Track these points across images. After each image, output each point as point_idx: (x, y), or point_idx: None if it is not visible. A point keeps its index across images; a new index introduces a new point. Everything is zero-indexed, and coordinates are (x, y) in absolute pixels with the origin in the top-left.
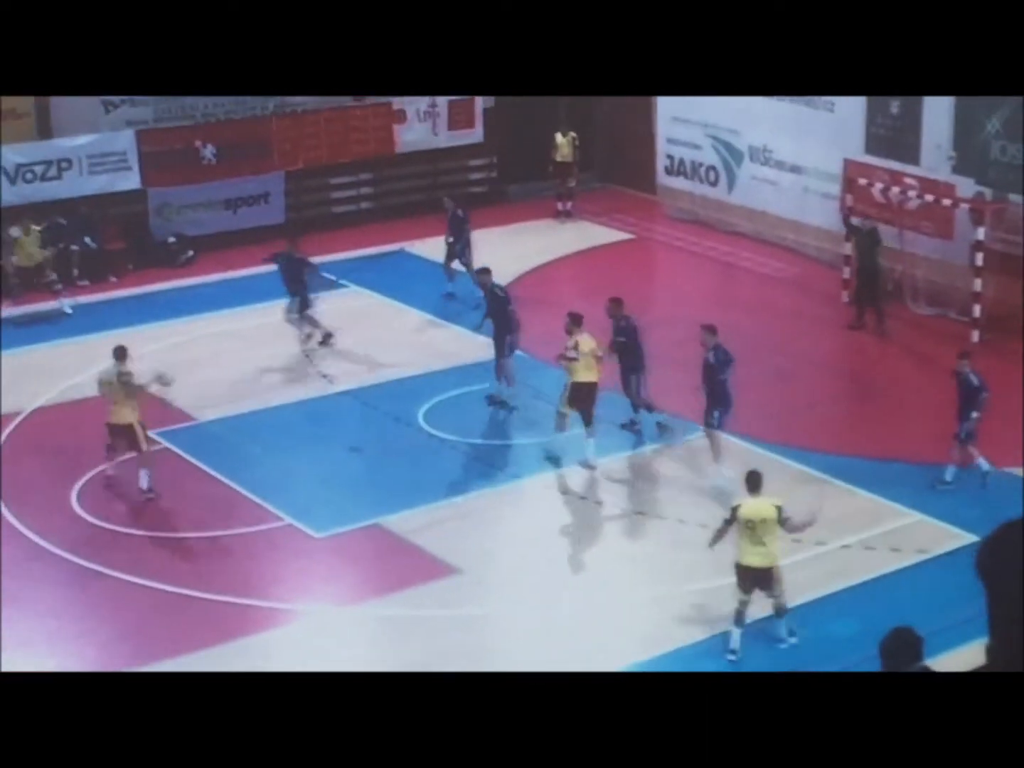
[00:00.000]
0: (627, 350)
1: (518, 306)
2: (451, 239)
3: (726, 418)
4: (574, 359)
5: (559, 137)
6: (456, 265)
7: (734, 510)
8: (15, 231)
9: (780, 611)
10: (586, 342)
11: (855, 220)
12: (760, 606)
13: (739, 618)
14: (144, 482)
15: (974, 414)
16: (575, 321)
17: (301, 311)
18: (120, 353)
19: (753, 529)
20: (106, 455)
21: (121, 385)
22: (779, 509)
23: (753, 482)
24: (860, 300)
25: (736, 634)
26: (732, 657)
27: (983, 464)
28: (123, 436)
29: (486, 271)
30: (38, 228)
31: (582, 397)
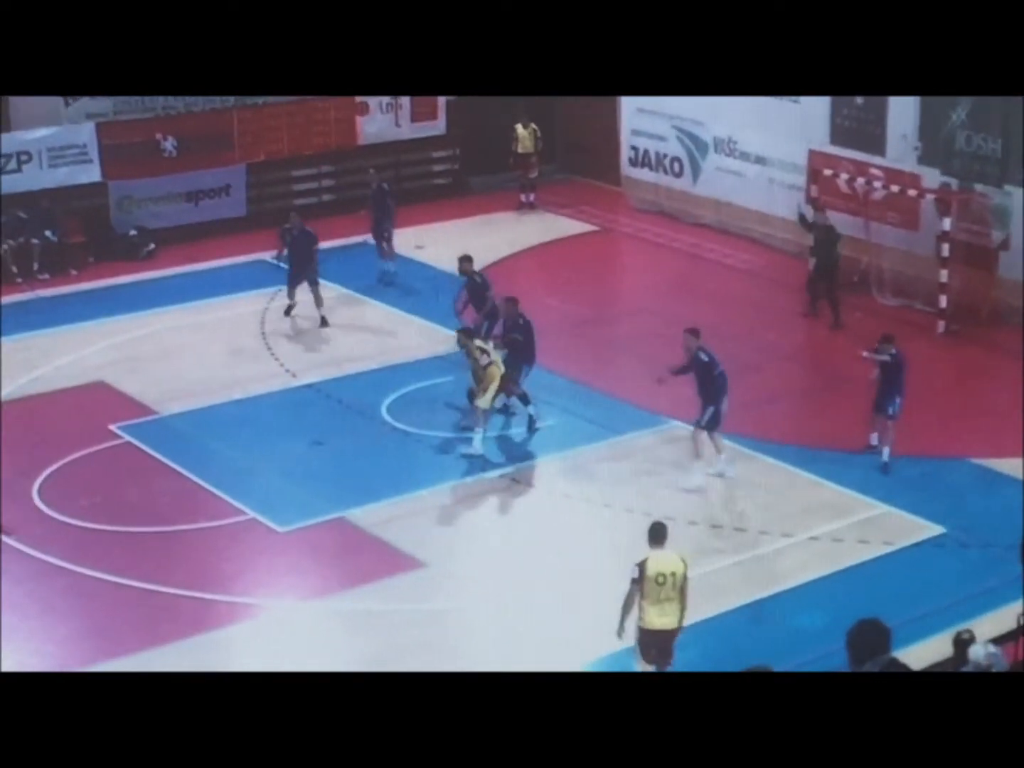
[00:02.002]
0: (521, 347)
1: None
2: (377, 215)
3: (721, 415)
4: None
5: (520, 129)
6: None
7: (641, 566)
8: None
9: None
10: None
11: (811, 215)
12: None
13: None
14: None
15: (897, 399)
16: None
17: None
18: None
19: (663, 585)
20: None
21: None
22: (685, 564)
23: (658, 534)
24: (815, 290)
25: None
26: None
27: (886, 452)
28: None
29: (467, 259)
30: None
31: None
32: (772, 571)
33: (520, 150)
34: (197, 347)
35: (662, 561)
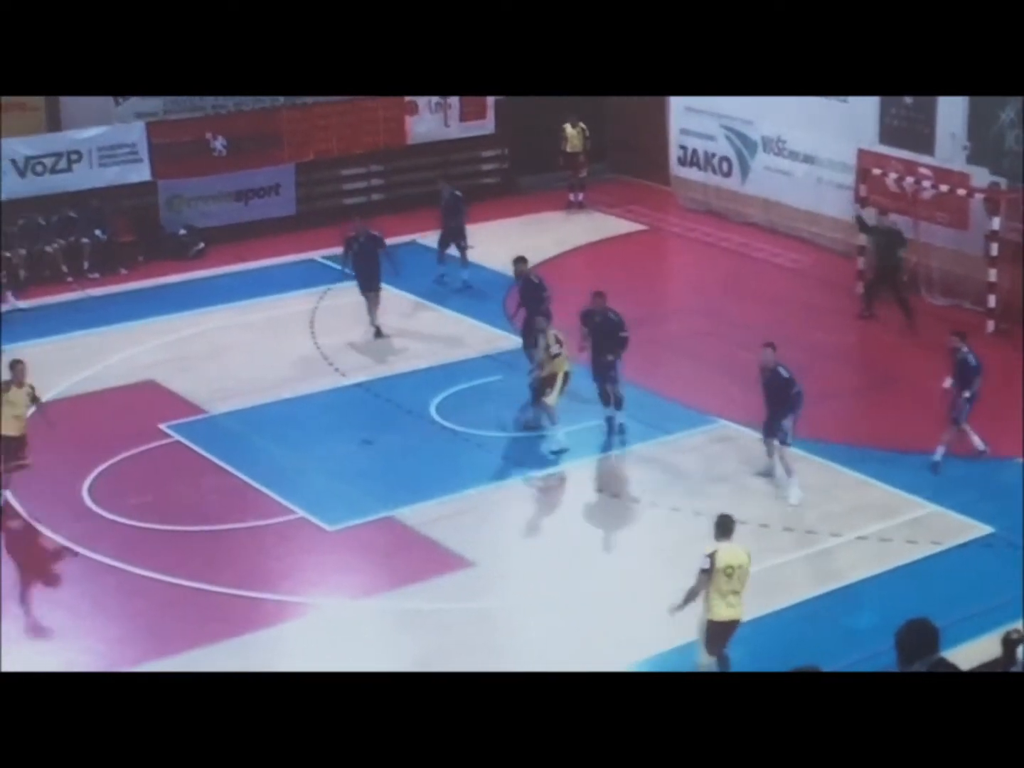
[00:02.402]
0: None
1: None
2: (451, 223)
3: (794, 430)
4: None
5: (568, 128)
6: (451, 250)
7: (711, 557)
8: None
9: (726, 667)
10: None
11: (871, 219)
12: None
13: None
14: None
15: (966, 394)
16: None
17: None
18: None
19: (731, 577)
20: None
21: (27, 397)
22: (750, 557)
23: (725, 526)
24: (873, 293)
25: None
26: None
27: (978, 443)
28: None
29: (522, 260)
30: None
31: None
32: (820, 571)
33: (569, 149)
34: (246, 346)
35: (731, 553)
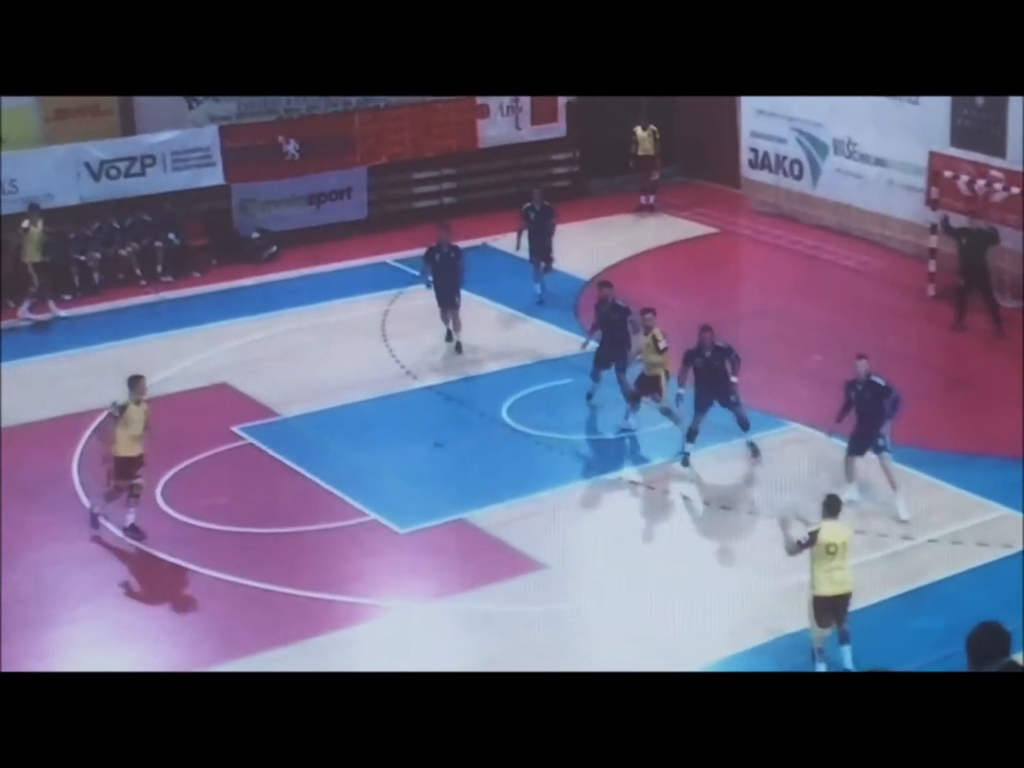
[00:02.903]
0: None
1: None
2: (540, 235)
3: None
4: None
5: (639, 131)
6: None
7: (813, 535)
8: (26, 223)
9: (846, 638)
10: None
11: (955, 223)
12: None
13: (820, 655)
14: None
15: None
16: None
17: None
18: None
19: (834, 555)
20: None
21: (143, 414)
22: (851, 533)
23: (832, 506)
24: (964, 300)
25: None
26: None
27: None
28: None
29: (607, 284)
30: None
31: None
32: (892, 573)
33: (640, 152)
34: (318, 349)
35: (833, 531)
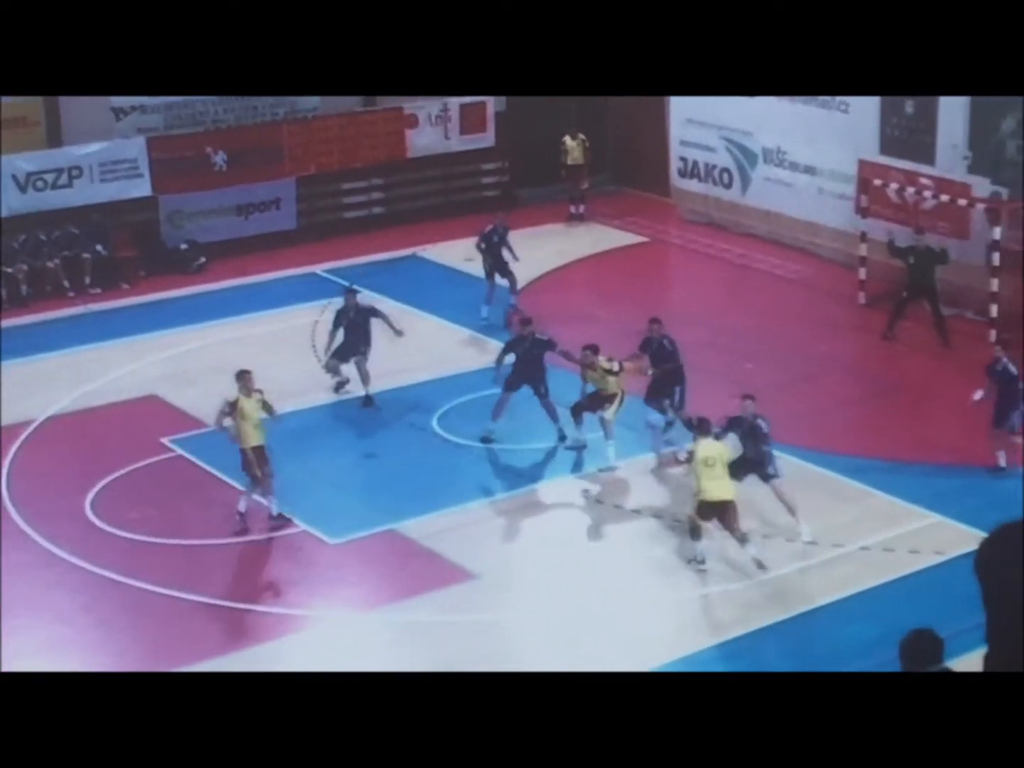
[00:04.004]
0: (672, 371)
1: (534, 313)
2: (497, 256)
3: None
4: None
5: (569, 140)
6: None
7: (691, 452)
8: None
9: (743, 540)
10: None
11: (900, 241)
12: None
13: (696, 534)
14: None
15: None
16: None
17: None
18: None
19: (712, 467)
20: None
21: (258, 404)
22: (727, 449)
23: (702, 426)
24: (900, 312)
25: (699, 546)
26: (702, 567)
27: (1002, 459)
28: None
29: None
30: None
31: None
32: (824, 581)
33: (570, 161)
34: (248, 360)
35: (708, 448)
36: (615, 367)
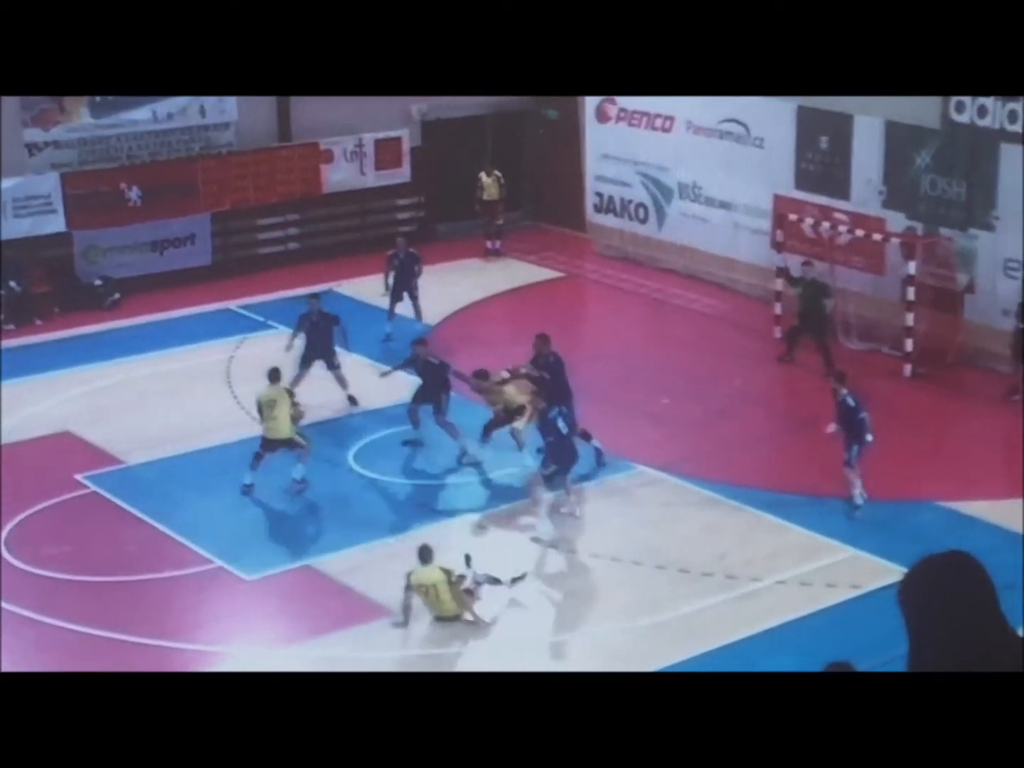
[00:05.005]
0: (550, 385)
1: (447, 349)
2: (404, 280)
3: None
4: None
5: (484, 177)
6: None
7: (407, 577)
8: None
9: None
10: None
11: (795, 271)
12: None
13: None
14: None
15: (868, 437)
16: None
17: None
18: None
19: (426, 594)
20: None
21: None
22: (448, 573)
23: (423, 554)
24: (794, 339)
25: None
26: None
27: (858, 496)
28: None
29: (422, 342)
30: None
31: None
32: (741, 615)
33: (485, 197)
34: (163, 396)
35: (423, 574)
36: (504, 375)
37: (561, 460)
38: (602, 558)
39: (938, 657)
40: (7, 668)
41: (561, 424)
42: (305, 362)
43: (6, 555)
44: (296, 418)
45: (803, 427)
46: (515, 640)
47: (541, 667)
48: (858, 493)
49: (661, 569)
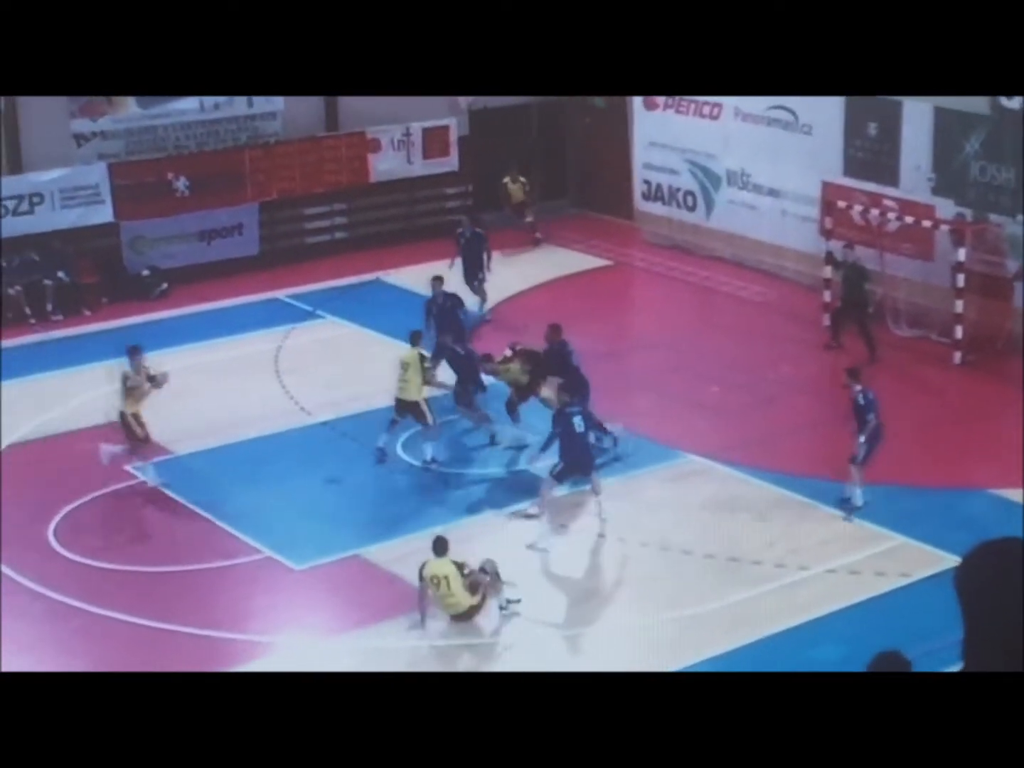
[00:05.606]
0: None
1: (495, 338)
2: (473, 261)
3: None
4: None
5: (510, 183)
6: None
7: (420, 570)
8: None
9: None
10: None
11: (837, 254)
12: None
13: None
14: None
15: (861, 438)
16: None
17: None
18: None
19: (438, 585)
20: None
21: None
22: (459, 566)
23: (437, 546)
24: (839, 324)
25: None
26: None
27: (856, 496)
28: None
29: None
30: None
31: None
32: (789, 604)
33: (513, 201)
34: (212, 386)
35: (435, 566)
36: (507, 354)
37: (572, 458)
38: (651, 547)
39: (994, 644)
40: (55, 659)
41: (577, 421)
42: (436, 356)
43: (55, 545)
44: (429, 382)
45: (852, 415)
46: (562, 631)
47: (588, 658)
48: (859, 493)
49: (710, 558)
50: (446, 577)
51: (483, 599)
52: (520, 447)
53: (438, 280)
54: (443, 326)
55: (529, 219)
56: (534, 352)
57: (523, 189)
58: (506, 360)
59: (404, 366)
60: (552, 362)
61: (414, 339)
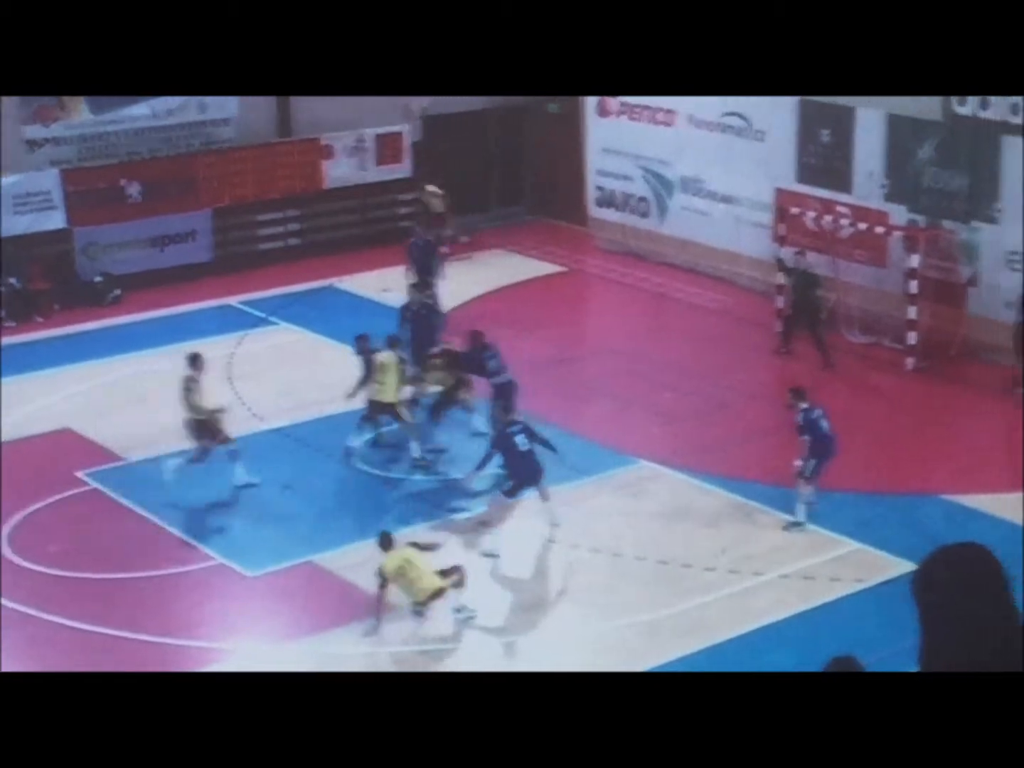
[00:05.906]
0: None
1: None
2: (424, 269)
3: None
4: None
5: (428, 195)
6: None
7: (379, 572)
8: None
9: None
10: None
11: (788, 261)
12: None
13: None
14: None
15: (799, 461)
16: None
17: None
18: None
19: (405, 572)
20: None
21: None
22: (416, 545)
23: (382, 541)
24: (790, 331)
25: None
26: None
27: (800, 511)
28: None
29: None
30: None
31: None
32: (743, 610)
33: (432, 213)
34: (163, 393)
35: (392, 558)
36: (434, 351)
37: (521, 476)
38: (603, 553)
39: (951, 649)
40: (7, 666)
41: (520, 440)
42: (416, 358)
43: (7, 552)
44: (407, 384)
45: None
46: (515, 636)
47: (541, 663)
48: (804, 509)
49: (663, 564)
50: (407, 560)
51: (453, 584)
52: (439, 451)
53: (414, 287)
54: (417, 332)
55: (449, 232)
56: (455, 353)
57: (442, 201)
58: (432, 357)
59: (382, 369)
60: (469, 366)
61: (391, 343)
